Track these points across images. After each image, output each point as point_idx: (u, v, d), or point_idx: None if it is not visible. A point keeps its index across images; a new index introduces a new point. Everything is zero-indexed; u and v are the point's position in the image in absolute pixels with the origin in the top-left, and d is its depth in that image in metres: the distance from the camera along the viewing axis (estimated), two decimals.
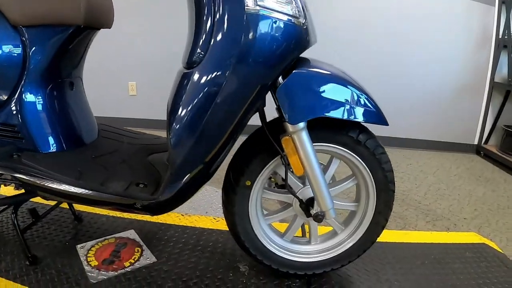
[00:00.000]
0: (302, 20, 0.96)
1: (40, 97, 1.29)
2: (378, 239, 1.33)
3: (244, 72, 0.94)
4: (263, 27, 0.91)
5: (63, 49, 1.28)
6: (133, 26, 3.22)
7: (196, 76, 0.96)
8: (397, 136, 3.20)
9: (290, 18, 0.94)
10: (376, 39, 2.99)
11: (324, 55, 2.95)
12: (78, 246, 1.55)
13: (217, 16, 0.92)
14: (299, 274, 1.32)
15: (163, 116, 3.23)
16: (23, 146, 1.30)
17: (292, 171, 1.13)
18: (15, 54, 1.22)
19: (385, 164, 1.17)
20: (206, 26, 0.94)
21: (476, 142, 3.21)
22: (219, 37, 0.93)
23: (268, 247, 1.27)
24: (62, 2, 1.17)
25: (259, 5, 0.90)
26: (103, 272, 1.40)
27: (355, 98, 1.05)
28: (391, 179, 1.19)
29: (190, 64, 0.98)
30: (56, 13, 1.18)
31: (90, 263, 1.45)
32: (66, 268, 1.41)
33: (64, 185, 1.17)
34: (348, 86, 1.05)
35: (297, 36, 0.96)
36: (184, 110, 0.99)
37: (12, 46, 1.22)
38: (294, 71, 1.01)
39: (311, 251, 1.31)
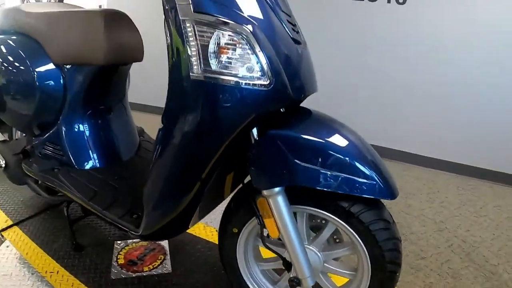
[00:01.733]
0: (263, 81, 0.87)
1: (78, 121, 1.51)
2: None
3: (195, 134, 0.93)
4: (207, 92, 0.87)
5: (95, 83, 1.46)
6: None
7: (162, 133, 0.99)
8: (490, 168, 2.67)
9: (242, 81, 0.86)
10: (476, 60, 2.51)
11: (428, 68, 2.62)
12: (117, 242, 1.73)
13: (172, 79, 0.91)
14: None
15: None
16: (63, 162, 1.52)
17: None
18: (58, 87, 1.46)
19: (383, 242, 1.00)
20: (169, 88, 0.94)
21: None
22: (173, 100, 0.93)
23: None
24: (86, 46, 1.34)
25: (205, 70, 0.85)
26: (124, 271, 1.54)
27: (344, 166, 0.92)
28: (391, 259, 1.02)
29: (162, 121, 0.99)
30: (82, 55, 1.37)
31: (118, 260, 1.61)
32: (98, 260, 1.60)
33: (80, 201, 1.34)
34: (336, 153, 0.92)
35: (253, 98, 0.88)
36: (156, 160, 1.03)
37: (55, 80, 1.46)
38: (269, 131, 0.93)
39: None
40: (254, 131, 0.96)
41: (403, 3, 2.66)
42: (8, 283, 1.44)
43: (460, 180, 2.66)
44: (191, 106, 0.89)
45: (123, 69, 1.54)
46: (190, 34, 0.84)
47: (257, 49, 0.84)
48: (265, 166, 0.95)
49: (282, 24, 0.93)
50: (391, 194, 0.93)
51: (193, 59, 0.85)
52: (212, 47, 0.83)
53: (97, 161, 1.52)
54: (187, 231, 1.81)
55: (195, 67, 0.85)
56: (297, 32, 1.01)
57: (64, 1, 2.03)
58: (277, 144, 0.93)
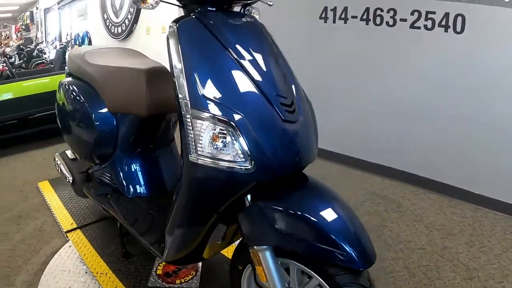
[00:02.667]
0: (246, 165, 1.03)
1: (129, 158, 1.82)
2: None
3: (192, 202, 1.16)
4: (201, 172, 1.08)
5: (142, 129, 1.74)
6: None
7: (178, 182, 1.22)
8: None
9: (229, 165, 1.04)
10: None
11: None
12: None
13: (181, 153, 1.14)
14: None
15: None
16: (115, 189, 1.83)
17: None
18: (111, 128, 1.77)
19: None
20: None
21: None
22: (182, 168, 1.15)
23: None
24: (132, 99, 1.60)
25: (199, 155, 1.05)
26: (159, 281, 1.80)
27: (320, 237, 1.04)
28: None
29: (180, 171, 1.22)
30: (129, 107, 1.65)
31: (157, 270, 1.87)
32: (141, 268, 1.87)
33: (123, 223, 1.63)
34: (315, 225, 1.05)
35: (239, 179, 1.06)
36: (175, 203, 1.26)
37: (109, 123, 1.77)
38: (257, 202, 1.11)
39: None
40: (248, 197, 1.13)
41: (461, 32, 2.57)
42: (66, 277, 1.79)
43: (510, 223, 2.52)
44: (192, 178, 1.12)
45: (167, 118, 1.82)
46: (188, 125, 1.05)
47: (241, 138, 1.02)
48: (253, 228, 1.13)
49: (274, 109, 1.08)
50: (363, 265, 1.04)
51: (190, 145, 1.06)
52: (205, 137, 1.03)
53: (143, 191, 1.81)
54: (221, 252, 2.01)
55: (192, 152, 1.06)
56: (293, 112, 1.13)
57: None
58: (263, 213, 1.10)
